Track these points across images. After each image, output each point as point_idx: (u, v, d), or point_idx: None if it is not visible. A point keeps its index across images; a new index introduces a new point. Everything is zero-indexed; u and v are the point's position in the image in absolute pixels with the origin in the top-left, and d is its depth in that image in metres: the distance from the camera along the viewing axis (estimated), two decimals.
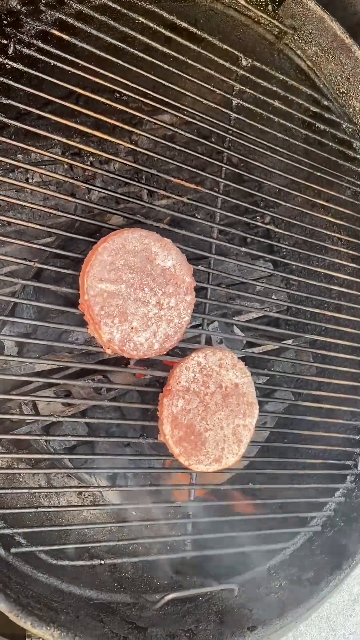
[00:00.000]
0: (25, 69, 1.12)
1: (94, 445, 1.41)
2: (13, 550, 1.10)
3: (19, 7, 1.09)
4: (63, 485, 1.35)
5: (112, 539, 1.33)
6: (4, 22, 1.11)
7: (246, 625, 1.29)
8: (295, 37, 1.50)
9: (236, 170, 1.44)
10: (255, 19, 1.46)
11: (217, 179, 1.42)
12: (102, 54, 1.21)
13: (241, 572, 1.44)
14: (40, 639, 1.31)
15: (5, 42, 1.10)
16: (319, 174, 1.57)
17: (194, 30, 1.35)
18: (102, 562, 1.20)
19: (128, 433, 1.44)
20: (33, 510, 1.13)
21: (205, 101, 1.38)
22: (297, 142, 1.54)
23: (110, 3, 1.23)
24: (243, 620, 1.31)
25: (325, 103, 1.59)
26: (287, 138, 1.51)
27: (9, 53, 1.11)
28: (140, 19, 1.27)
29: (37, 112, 1.15)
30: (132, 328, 1.21)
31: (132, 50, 1.25)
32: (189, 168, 1.36)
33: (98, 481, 1.41)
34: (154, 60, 1.28)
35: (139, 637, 1.18)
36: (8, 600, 0.98)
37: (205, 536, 1.33)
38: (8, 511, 1.11)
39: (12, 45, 1.11)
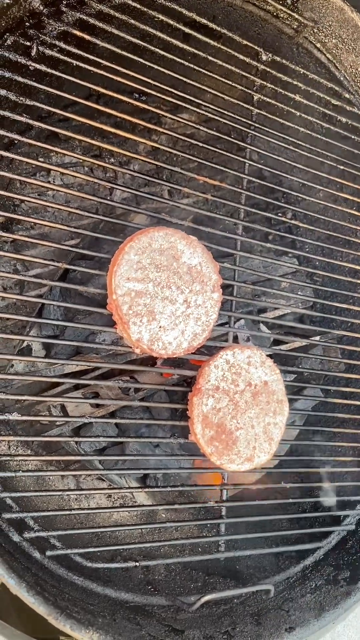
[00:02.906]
0: (49, 70, 1.12)
1: (124, 446, 1.40)
2: (48, 553, 1.09)
3: (41, 7, 1.09)
4: (94, 487, 1.34)
5: (142, 541, 1.31)
6: (27, 24, 1.11)
7: (283, 626, 1.27)
8: (315, 30, 1.48)
9: (259, 166, 1.43)
10: (274, 13, 1.45)
11: (241, 175, 1.40)
12: (123, 52, 1.21)
13: (275, 573, 1.42)
14: None
15: (28, 43, 1.10)
16: (341, 167, 1.55)
17: (213, 26, 1.34)
18: (138, 564, 1.18)
19: (157, 433, 1.43)
20: (67, 512, 1.13)
21: (226, 97, 1.37)
22: (318, 136, 1.52)
23: (130, 2, 1.22)
24: (280, 621, 1.29)
25: (347, 96, 1.57)
26: (308, 132, 1.50)
27: (32, 55, 1.11)
28: (160, 16, 1.26)
29: (62, 112, 1.15)
30: (160, 327, 1.20)
31: (152, 48, 1.25)
32: (211, 165, 1.35)
33: (128, 482, 1.40)
34: (173, 57, 1.28)
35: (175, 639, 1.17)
36: (47, 603, 0.97)
37: (239, 536, 1.32)
38: (43, 514, 1.10)
39: (35, 47, 1.10)
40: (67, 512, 1.14)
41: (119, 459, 1.29)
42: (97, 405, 1.37)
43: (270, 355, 1.38)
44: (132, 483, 1.41)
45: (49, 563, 1.11)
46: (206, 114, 1.35)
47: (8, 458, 1.04)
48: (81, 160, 1.42)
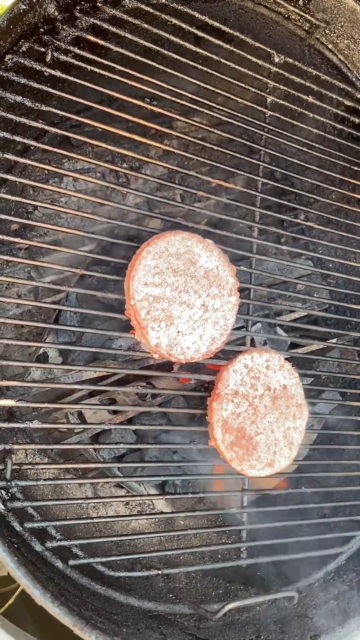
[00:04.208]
0: (63, 75, 1.11)
1: (143, 453, 1.39)
2: (71, 562, 1.08)
3: (56, 13, 1.09)
4: (112, 495, 1.33)
5: (163, 549, 1.30)
6: (41, 30, 1.10)
7: (308, 634, 1.25)
8: (327, 31, 1.48)
9: (272, 168, 1.42)
10: (286, 15, 1.45)
11: (255, 177, 1.40)
12: (135, 57, 1.20)
13: (297, 579, 1.40)
14: None
15: (42, 49, 1.10)
16: (355, 168, 1.54)
17: (225, 29, 1.33)
18: (160, 572, 1.17)
19: (176, 439, 1.41)
20: (88, 521, 1.12)
21: (239, 100, 1.37)
22: (331, 137, 1.51)
23: (142, 6, 1.22)
24: (304, 629, 1.27)
25: (359, 96, 1.56)
26: (321, 133, 1.49)
27: (47, 60, 1.10)
28: (173, 20, 1.26)
29: (75, 117, 1.15)
30: (178, 332, 1.19)
31: (164, 51, 1.24)
32: (224, 167, 1.34)
33: (147, 489, 1.39)
34: (186, 60, 1.27)
35: None
36: (72, 613, 0.96)
37: (261, 543, 1.30)
38: (64, 522, 1.09)
39: (49, 53, 1.10)
40: (88, 521, 1.14)
41: (137, 466, 1.27)
42: (115, 412, 1.36)
43: (287, 359, 1.37)
44: (151, 490, 1.39)
45: (72, 572, 1.10)
46: (219, 116, 1.34)
47: (29, 467, 1.03)
48: (94, 166, 1.42)
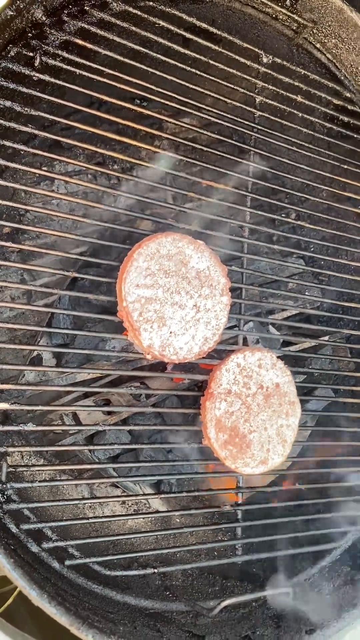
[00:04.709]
0: (52, 79, 1.12)
1: (138, 453, 1.40)
2: (67, 562, 1.09)
3: (43, 18, 1.09)
4: (108, 495, 1.34)
5: (159, 547, 1.31)
6: (29, 34, 1.11)
7: (304, 628, 1.27)
8: (315, 31, 1.48)
9: (262, 168, 1.43)
10: (274, 15, 1.45)
11: (245, 177, 1.40)
12: (124, 59, 1.21)
13: (293, 575, 1.42)
14: None
15: (31, 54, 1.10)
16: (345, 166, 1.55)
17: (213, 30, 1.34)
18: (156, 570, 1.18)
19: (170, 439, 1.42)
20: (83, 521, 1.13)
21: (228, 100, 1.38)
22: (320, 136, 1.52)
23: (130, 9, 1.22)
24: (300, 623, 1.28)
25: (348, 95, 1.57)
26: (310, 132, 1.50)
27: (35, 65, 1.11)
28: (161, 22, 1.26)
29: (65, 121, 1.15)
30: (171, 332, 1.20)
31: (152, 54, 1.25)
32: (214, 168, 1.35)
33: (143, 489, 1.40)
34: (174, 62, 1.28)
35: None
36: (68, 613, 0.97)
37: (256, 539, 1.31)
38: (60, 523, 1.10)
39: (37, 57, 1.11)
40: (84, 521, 1.15)
41: (132, 466, 1.29)
42: (109, 413, 1.37)
43: (280, 357, 1.38)
44: (146, 489, 1.41)
45: (68, 572, 1.11)
46: (208, 117, 1.35)
47: (25, 469, 1.04)
48: (84, 168, 1.43)
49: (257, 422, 1.31)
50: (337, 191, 1.56)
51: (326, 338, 1.57)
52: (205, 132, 1.35)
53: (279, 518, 1.35)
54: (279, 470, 1.39)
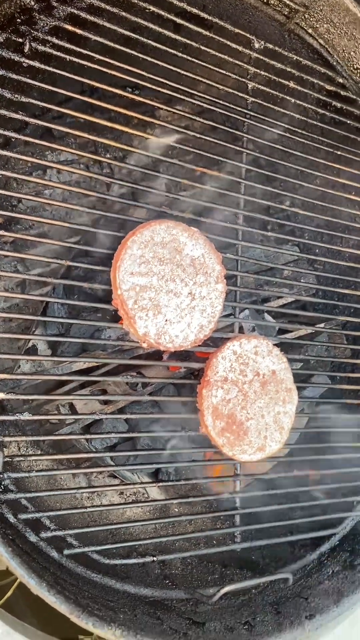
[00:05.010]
0: (42, 66, 1.11)
1: (135, 441, 1.40)
2: (66, 552, 1.09)
3: (32, 3, 1.08)
4: (106, 485, 1.34)
5: (157, 536, 1.31)
6: (18, 20, 1.10)
7: (303, 614, 1.27)
8: (306, 16, 1.47)
9: (256, 155, 1.42)
10: (265, 0, 1.44)
11: (239, 164, 1.40)
12: (115, 45, 1.20)
13: (292, 562, 1.42)
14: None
15: (20, 40, 1.09)
16: (338, 152, 1.55)
17: (204, 15, 1.33)
18: (155, 558, 1.18)
19: (167, 427, 1.42)
20: (81, 510, 1.13)
21: (220, 87, 1.37)
22: (314, 122, 1.51)
23: None
24: (299, 609, 1.29)
25: (340, 80, 1.56)
26: (303, 118, 1.49)
27: (25, 51, 1.10)
28: (151, 7, 1.25)
29: (57, 108, 1.14)
30: (166, 320, 1.20)
31: (143, 40, 1.24)
32: (208, 155, 1.34)
33: (141, 478, 1.39)
34: (165, 48, 1.27)
35: (198, 632, 1.17)
36: (68, 601, 0.97)
37: (254, 527, 1.32)
38: (58, 513, 1.10)
39: (27, 43, 1.09)
40: (82, 510, 1.14)
41: (130, 455, 1.28)
42: (106, 402, 1.36)
43: (276, 344, 1.38)
44: (144, 478, 1.40)
45: (67, 562, 1.11)
46: (201, 104, 1.34)
47: (21, 459, 1.03)
48: (77, 157, 1.41)
49: (254, 409, 1.31)
50: (331, 177, 1.55)
51: (322, 325, 1.57)
52: (198, 119, 1.34)
53: (277, 505, 1.36)
54: (277, 457, 1.38)
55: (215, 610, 1.27)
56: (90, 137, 1.20)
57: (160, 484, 1.26)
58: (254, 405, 1.31)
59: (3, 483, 1.05)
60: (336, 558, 1.43)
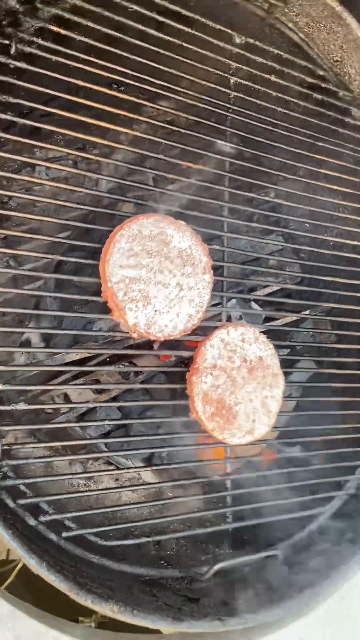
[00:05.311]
0: (29, 67, 1.14)
1: (128, 428, 1.45)
2: (64, 534, 1.14)
3: (17, 6, 1.11)
4: (101, 470, 1.39)
5: (152, 518, 1.36)
6: (3, 22, 1.13)
7: (294, 588, 1.33)
8: (286, 10, 1.51)
9: (239, 148, 1.46)
10: None
11: (223, 158, 1.44)
12: (99, 45, 1.23)
13: (282, 540, 1.48)
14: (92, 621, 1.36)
15: (7, 42, 1.12)
16: (320, 144, 1.59)
17: (186, 12, 1.36)
18: (149, 539, 1.23)
19: (159, 414, 1.47)
20: (78, 495, 1.18)
21: (203, 82, 1.40)
22: (296, 115, 1.55)
23: None
24: (290, 584, 1.35)
25: (321, 73, 1.60)
26: (286, 111, 1.53)
27: (11, 53, 1.13)
28: (133, 6, 1.28)
29: (44, 108, 1.18)
30: (155, 311, 1.24)
31: (127, 38, 1.27)
32: (193, 150, 1.38)
33: (134, 463, 1.45)
34: (149, 46, 1.30)
35: (192, 608, 1.22)
36: (67, 580, 1.02)
37: (245, 507, 1.37)
38: (56, 497, 1.15)
39: (13, 45, 1.13)
40: (79, 495, 1.19)
41: (123, 441, 1.33)
42: (99, 392, 1.41)
43: (263, 332, 1.43)
44: (138, 463, 1.46)
45: (66, 544, 1.16)
46: (185, 100, 1.37)
47: (19, 446, 1.08)
48: (65, 154, 1.45)
49: (242, 394, 1.36)
50: (313, 169, 1.60)
51: (307, 312, 1.61)
52: (182, 114, 1.38)
53: (267, 486, 1.41)
54: (266, 440, 1.44)
55: (209, 587, 1.33)
56: (77, 134, 1.24)
57: (154, 468, 1.31)
58: (242, 391, 1.36)
59: (2, 470, 1.10)
60: (324, 536, 1.49)
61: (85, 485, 1.45)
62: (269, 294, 1.62)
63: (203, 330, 1.36)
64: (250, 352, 1.40)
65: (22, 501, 1.10)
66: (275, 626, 1.29)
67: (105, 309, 1.23)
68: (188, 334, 1.29)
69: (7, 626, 1.05)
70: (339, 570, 1.40)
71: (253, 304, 1.63)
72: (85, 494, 1.19)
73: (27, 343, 1.38)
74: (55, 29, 1.19)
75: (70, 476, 1.15)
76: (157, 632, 1.26)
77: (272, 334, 1.45)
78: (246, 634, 1.26)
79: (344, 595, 1.46)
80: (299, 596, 1.31)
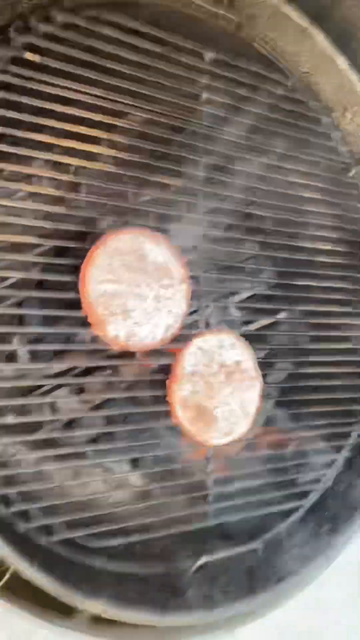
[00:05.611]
0: (5, 96, 1.19)
1: (114, 435, 1.51)
2: (54, 538, 1.21)
3: None
4: (89, 475, 1.45)
5: (139, 518, 1.43)
6: None
7: (274, 578, 1.42)
8: (254, 25, 1.56)
9: (212, 162, 1.52)
10: (213, 14, 1.52)
11: (196, 172, 1.49)
12: (73, 71, 1.28)
13: (263, 533, 1.56)
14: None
15: None
16: (290, 153, 1.65)
17: (156, 33, 1.41)
18: (134, 539, 1.31)
19: (142, 420, 1.54)
20: (66, 500, 1.25)
21: (174, 100, 1.45)
22: (266, 127, 1.61)
23: (74, 20, 1.29)
24: (270, 574, 1.43)
25: (289, 84, 1.65)
26: (255, 124, 1.58)
27: None
28: (105, 30, 1.33)
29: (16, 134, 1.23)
30: (135, 323, 1.31)
31: (99, 63, 1.32)
32: (167, 166, 1.44)
33: (121, 467, 1.52)
34: (120, 69, 1.35)
35: (178, 601, 1.30)
36: (56, 582, 1.10)
37: (226, 504, 1.45)
38: (45, 504, 1.22)
39: None
40: (67, 500, 1.26)
41: (109, 448, 1.40)
42: (85, 401, 1.47)
43: (240, 336, 1.50)
44: (124, 467, 1.53)
45: (55, 547, 1.23)
46: (157, 119, 1.43)
47: (7, 458, 1.15)
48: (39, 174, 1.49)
49: (220, 398, 1.44)
50: (287, 179, 1.66)
51: (282, 315, 1.68)
52: (155, 132, 1.43)
53: (247, 482, 1.49)
54: (245, 439, 1.51)
55: (195, 581, 1.41)
56: (49, 156, 1.29)
57: (139, 471, 1.38)
58: (220, 395, 1.44)
59: None
60: (303, 528, 1.57)
61: (74, 488, 1.52)
62: (245, 299, 1.68)
63: (183, 338, 1.43)
64: (228, 358, 1.47)
65: (12, 509, 1.17)
66: (257, 614, 1.38)
67: (86, 321, 1.29)
68: (168, 343, 1.35)
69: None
70: (316, 560, 1.49)
71: (231, 310, 1.70)
72: (74, 499, 1.26)
73: (13, 356, 1.44)
74: (29, 57, 1.23)
75: (59, 482, 1.22)
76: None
77: (249, 338, 1.51)
78: (230, 623, 1.35)
79: (323, 583, 1.55)
80: (278, 586, 1.40)
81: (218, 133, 1.53)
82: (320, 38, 1.55)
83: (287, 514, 1.59)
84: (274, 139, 1.62)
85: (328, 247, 1.71)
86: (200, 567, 1.39)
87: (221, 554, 1.40)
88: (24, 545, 1.14)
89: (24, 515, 1.20)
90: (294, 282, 1.64)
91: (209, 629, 1.33)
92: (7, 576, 1.51)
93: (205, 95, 1.52)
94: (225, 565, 1.46)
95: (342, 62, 1.60)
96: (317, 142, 1.70)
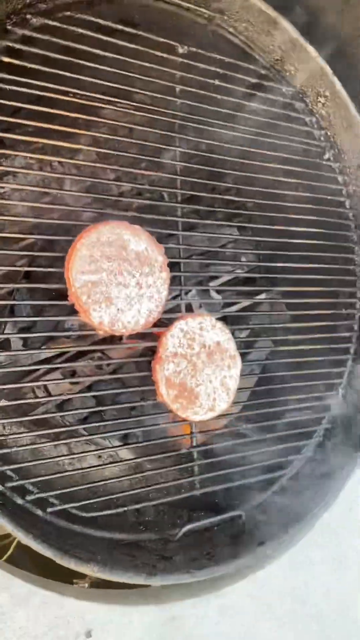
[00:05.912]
0: None
1: (104, 413, 1.62)
2: (49, 509, 1.32)
3: None
4: (82, 451, 1.56)
5: (131, 489, 1.53)
6: None
7: (256, 542, 1.53)
8: (225, 17, 1.61)
9: (189, 151, 1.58)
10: (185, 7, 1.57)
11: (173, 162, 1.56)
12: (49, 70, 1.34)
13: (247, 501, 1.67)
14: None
15: None
16: (268, 140, 1.70)
17: (129, 29, 1.46)
18: (126, 509, 1.42)
19: (130, 399, 1.64)
20: (61, 475, 1.35)
21: (150, 93, 1.51)
22: (242, 114, 1.66)
23: (49, 22, 1.35)
24: (252, 539, 1.54)
25: (263, 72, 1.71)
26: (231, 112, 1.64)
27: None
28: (80, 30, 1.39)
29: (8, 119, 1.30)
30: (118, 309, 1.39)
31: (76, 60, 1.38)
32: (146, 158, 1.51)
33: (112, 443, 1.62)
34: (95, 65, 1.41)
35: (165, 564, 1.41)
36: (52, 547, 1.20)
37: (211, 474, 1.56)
38: (40, 479, 1.32)
39: None
40: (62, 475, 1.37)
41: (100, 425, 1.50)
42: (75, 383, 1.57)
43: (222, 318, 1.58)
44: (115, 443, 1.63)
45: (51, 518, 1.34)
46: (134, 112, 1.49)
47: (3, 438, 1.25)
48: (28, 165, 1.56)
49: (202, 376, 1.52)
50: (265, 164, 1.72)
51: (263, 296, 1.77)
52: (133, 126, 1.50)
53: (230, 454, 1.59)
54: (227, 414, 1.61)
55: (182, 546, 1.52)
56: (37, 155, 1.36)
57: (129, 446, 1.48)
58: (202, 373, 1.53)
59: None
60: (284, 495, 1.68)
61: (70, 464, 1.63)
62: (225, 283, 1.76)
63: (167, 321, 1.51)
64: (208, 339, 1.55)
65: (9, 484, 1.28)
66: (239, 576, 1.49)
67: (72, 310, 1.38)
68: (152, 326, 1.44)
69: (2, 587, 1.24)
70: (297, 525, 1.59)
71: (213, 293, 1.78)
72: (68, 473, 1.37)
73: (6, 343, 1.53)
74: (6, 60, 1.30)
75: (54, 459, 1.32)
76: (147, 586, 1.44)
77: (232, 319, 1.60)
78: (213, 584, 1.46)
79: (306, 546, 1.66)
80: (260, 549, 1.51)
81: (193, 123, 1.58)
82: (289, 27, 1.60)
83: (271, 482, 1.69)
84: (250, 125, 1.68)
85: (304, 228, 1.77)
86: (187, 533, 1.50)
87: (205, 521, 1.50)
88: (22, 516, 1.24)
89: (22, 490, 1.31)
90: (273, 265, 1.71)
91: (196, 590, 1.45)
92: (11, 550, 1.64)
93: (179, 88, 1.57)
94: (211, 533, 1.57)
95: (312, 49, 1.65)
96: (292, 126, 1.76)
